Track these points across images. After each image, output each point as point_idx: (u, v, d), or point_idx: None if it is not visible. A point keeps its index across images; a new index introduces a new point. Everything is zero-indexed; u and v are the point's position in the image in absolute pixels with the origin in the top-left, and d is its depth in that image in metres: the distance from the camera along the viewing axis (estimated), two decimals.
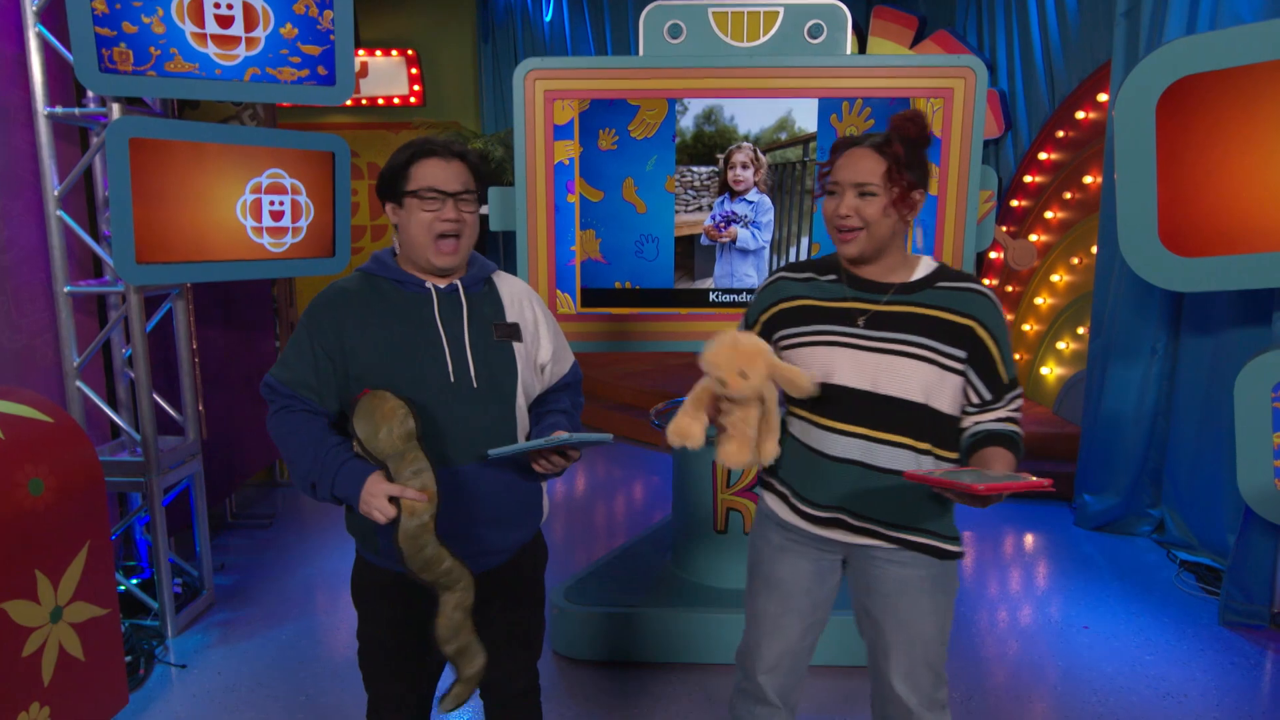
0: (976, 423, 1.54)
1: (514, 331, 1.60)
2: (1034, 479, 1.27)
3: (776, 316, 1.61)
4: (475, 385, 1.51)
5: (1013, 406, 1.54)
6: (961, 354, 1.49)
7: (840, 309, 1.54)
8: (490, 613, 1.60)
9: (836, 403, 1.52)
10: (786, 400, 1.62)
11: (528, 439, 1.60)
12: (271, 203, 2.92)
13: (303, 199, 3.00)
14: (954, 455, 1.56)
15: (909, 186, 1.47)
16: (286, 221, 2.97)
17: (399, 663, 1.62)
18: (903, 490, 1.50)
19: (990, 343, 1.50)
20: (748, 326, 1.67)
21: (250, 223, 2.88)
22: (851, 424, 1.52)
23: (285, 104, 7.05)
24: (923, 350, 1.48)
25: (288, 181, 2.95)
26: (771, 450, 1.51)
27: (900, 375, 1.48)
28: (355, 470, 1.42)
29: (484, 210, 2.65)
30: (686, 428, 1.46)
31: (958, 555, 1.57)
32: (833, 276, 1.59)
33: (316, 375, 1.50)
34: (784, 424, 1.63)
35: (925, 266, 1.55)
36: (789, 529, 1.63)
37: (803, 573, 1.63)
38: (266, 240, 2.92)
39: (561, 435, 1.47)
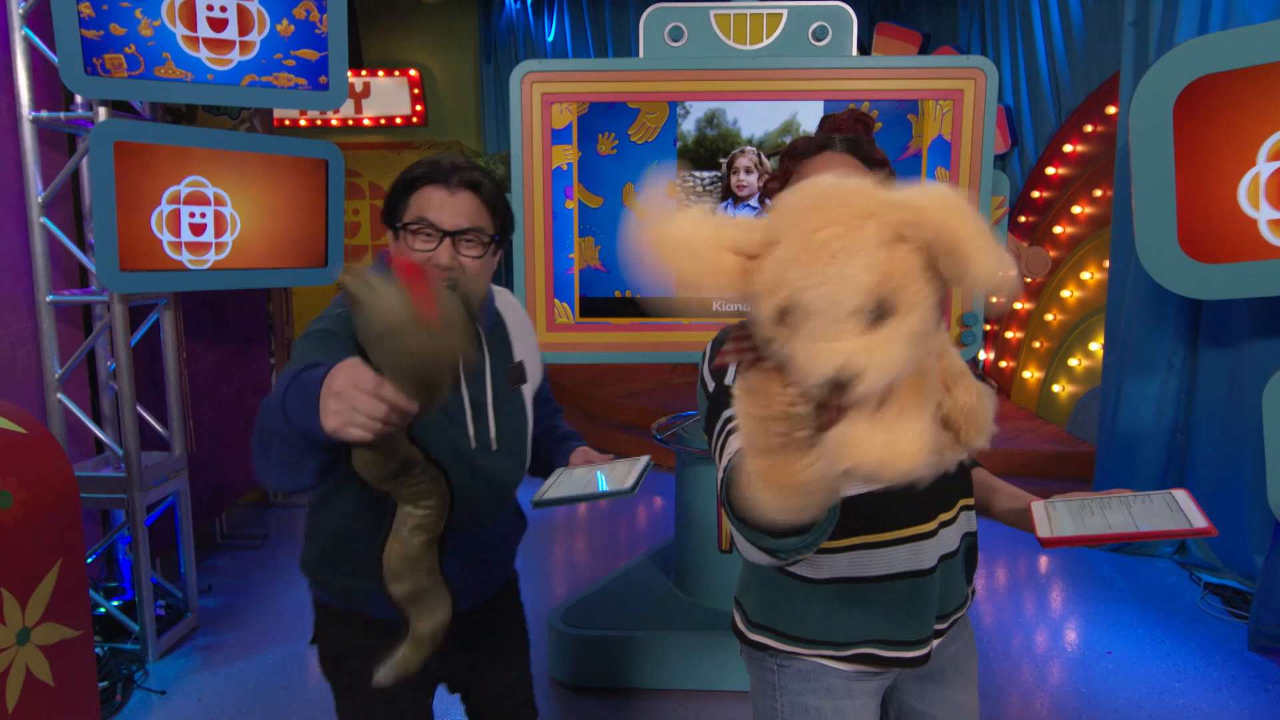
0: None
1: (521, 373, 1.41)
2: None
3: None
4: (495, 446, 1.35)
5: None
6: None
7: None
8: (481, 670, 1.49)
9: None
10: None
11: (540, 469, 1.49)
12: (191, 214, 2.66)
13: (227, 210, 2.73)
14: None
15: None
16: (209, 236, 2.70)
17: None
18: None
19: None
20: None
21: (167, 237, 2.61)
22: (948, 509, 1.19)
23: (281, 120, 7.08)
24: None
25: (210, 191, 2.69)
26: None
27: None
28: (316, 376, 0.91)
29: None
30: (883, 445, 0.69)
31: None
32: None
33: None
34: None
35: None
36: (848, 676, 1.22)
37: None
38: (186, 256, 2.66)
39: (626, 482, 1.27)
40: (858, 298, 0.65)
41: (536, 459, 1.49)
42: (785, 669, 1.22)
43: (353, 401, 0.85)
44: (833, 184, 0.70)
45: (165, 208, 2.60)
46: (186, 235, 2.65)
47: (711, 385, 1.15)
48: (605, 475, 1.32)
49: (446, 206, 1.22)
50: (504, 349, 1.41)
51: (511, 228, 1.31)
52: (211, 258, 2.72)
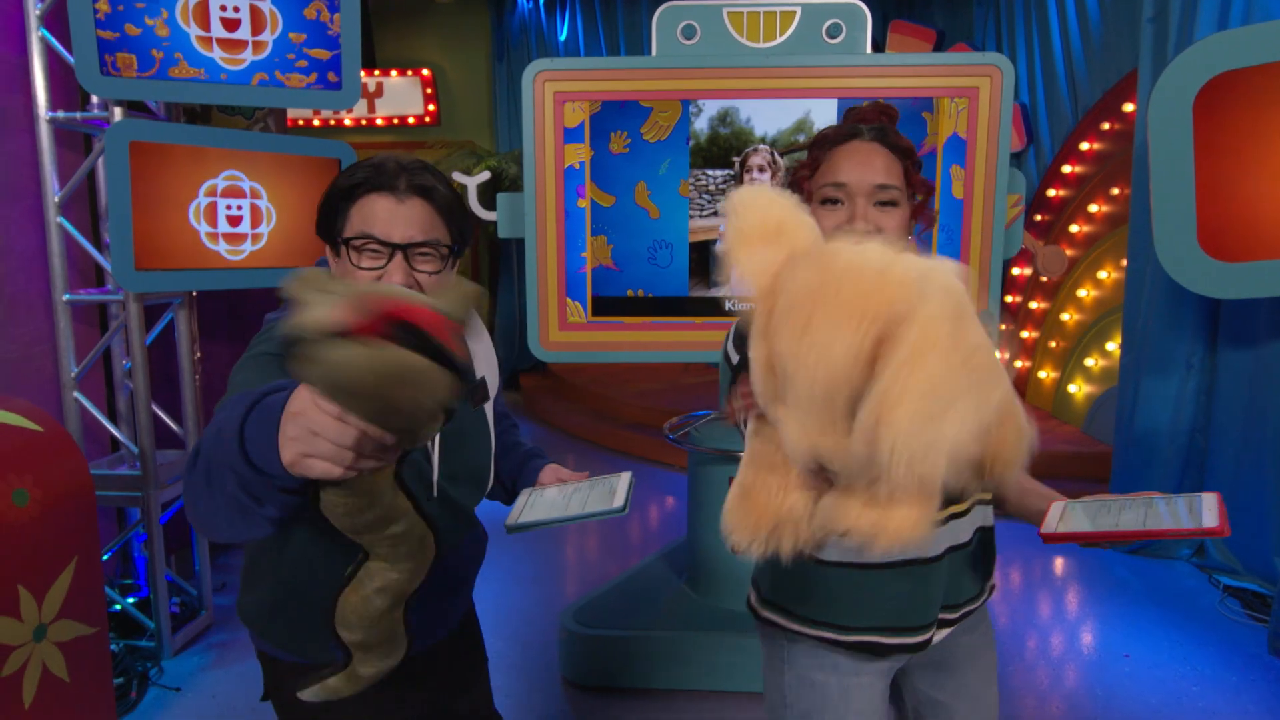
0: None
1: (485, 391, 1.34)
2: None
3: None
4: (457, 472, 1.22)
5: None
6: None
7: None
8: (446, 699, 1.38)
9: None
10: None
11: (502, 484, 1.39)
12: (229, 207, 2.71)
13: (262, 203, 2.78)
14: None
15: (927, 194, 1.19)
16: (245, 228, 2.76)
17: None
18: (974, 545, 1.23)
19: None
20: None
21: (205, 228, 2.67)
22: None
23: (295, 120, 7.11)
24: None
25: (246, 185, 2.73)
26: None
27: None
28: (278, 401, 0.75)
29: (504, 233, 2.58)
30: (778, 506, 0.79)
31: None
32: None
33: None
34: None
35: None
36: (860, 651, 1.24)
37: (878, 698, 1.26)
38: (223, 247, 2.72)
39: (594, 508, 1.15)
40: (835, 386, 0.62)
41: (496, 480, 1.36)
42: (795, 644, 1.25)
43: (312, 424, 0.68)
44: (847, 265, 0.65)
45: (203, 200, 2.66)
46: (224, 227, 2.71)
47: (736, 359, 1.15)
48: (588, 495, 1.20)
49: (395, 217, 1.06)
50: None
51: (470, 234, 1.18)
52: (248, 248, 2.78)
